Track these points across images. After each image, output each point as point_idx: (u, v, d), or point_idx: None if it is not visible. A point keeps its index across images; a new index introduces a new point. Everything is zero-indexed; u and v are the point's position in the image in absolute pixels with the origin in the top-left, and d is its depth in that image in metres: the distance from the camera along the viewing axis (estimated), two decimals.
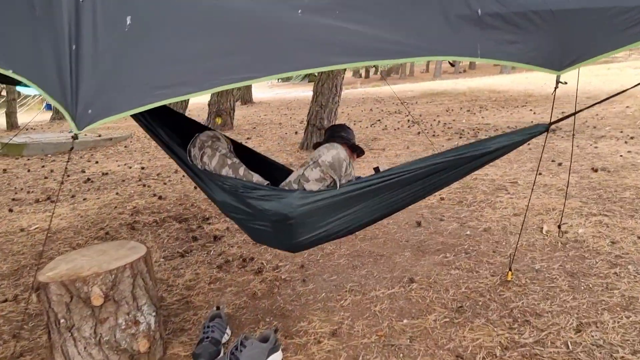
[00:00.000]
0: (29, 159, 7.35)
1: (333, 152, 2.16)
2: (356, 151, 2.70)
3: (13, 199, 5.21)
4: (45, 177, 6.10)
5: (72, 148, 1.84)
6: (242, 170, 2.33)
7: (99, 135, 8.79)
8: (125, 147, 8.20)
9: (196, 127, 2.77)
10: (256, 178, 2.32)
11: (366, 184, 2.13)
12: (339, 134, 2.70)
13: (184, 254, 3.53)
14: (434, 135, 7.66)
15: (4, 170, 6.58)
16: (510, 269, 2.80)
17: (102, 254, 2.23)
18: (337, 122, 7.08)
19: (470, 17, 2.05)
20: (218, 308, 2.47)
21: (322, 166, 2.14)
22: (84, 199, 5.08)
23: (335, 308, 2.65)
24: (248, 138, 7.99)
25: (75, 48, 1.88)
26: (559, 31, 2.09)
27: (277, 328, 2.38)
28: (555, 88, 2.35)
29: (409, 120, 9.73)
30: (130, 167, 6.54)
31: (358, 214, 2.20)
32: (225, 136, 2.55)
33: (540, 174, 4.86)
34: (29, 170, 6.54)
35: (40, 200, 5.13)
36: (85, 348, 2.04)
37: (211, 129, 2.62)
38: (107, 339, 2.05)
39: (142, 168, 6.46)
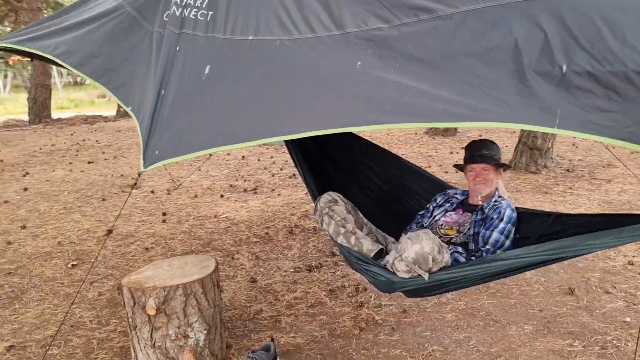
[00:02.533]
0: (267, 148, 8.53)
1: (416, 248, 2.03)
2: (502, 167, 2.59)
3: (230, 186, 6.18)
4: (265, 168, 7.02)
5: (135, 183, 2.15)
6: (353, 239, 2.39)
7: None
8: None
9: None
10: (366, 246, 2.36)
11: (457, 275, 2.06)
12: (479, 152, 2.57)
13: (312, 269, 3.67)
14: None
15: (242, 157, 7.81)
16: None
17: (181, 267, 2.54)
18: (553, 144, 6.12)
19: (552, 74, 1.61)
20: (272, 340, 2.54)
21: (405, 262, 2.07)
22: (278, 194, 5.69)
23: None
24: (463, 148, 7.55)
25: (163, 93, 2.16)
26: None
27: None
28: None
29: None
30: None
31: (472, 284, 2.18)
32: (342, 198, 2.62)
33: None
34: (258, 160, 7.61)
35: (247, 189, 5.96)
36: (144, 347, 2.38)
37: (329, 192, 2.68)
38: (160, 345, 2.35)
39: None
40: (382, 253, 2.38)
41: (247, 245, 4.18)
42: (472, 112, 1.62)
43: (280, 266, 3.74)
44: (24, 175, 7.05)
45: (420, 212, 2.85)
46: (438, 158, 7.10)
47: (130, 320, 2.39)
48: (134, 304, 2.34)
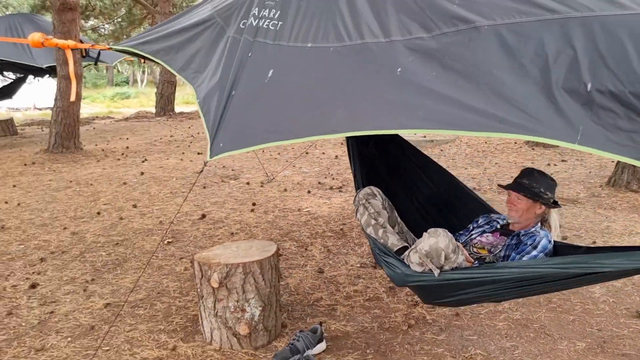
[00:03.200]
0: None
1: (431, 241, 2.13)
2: (540, 202, 2.49)
3: (319, 183, 6.48)
4: None
5: (202, 170, 2.47)
6: (381, 232, 2.53)
7: (424, 136, 9.52)
8: (440, 150, 8.67)
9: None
10: (391, 241, 2.48)
11: (467, 276, 2.10)
12: (520, 179, 2.55)
13: (377, 266, 3.82)
14: None
15: (336, 157, 8.10)
16: None
17: (246, 249, 2.85)
18: None
19: (578, 91, 1.68)
20: (321, 324, 2.74)
21: (418, 253, 2.17)
22: None
23: None
24: (563, 160, 7.17)
25: (233, 94, 2.45)
26: None
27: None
28: None
29: None
30: None
31: (482, 294, 2.17)
32: (382, 194, 2.73)
33: None
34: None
35: (333, 187, 6.22)
36: (208, 315, 2.72)
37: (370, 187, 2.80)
38: (221, 315, 2.67)
39: None
40: (405, 251, 2.43)
41: (322, 239, 4.43)
42: (498, 124, 1.71)
43: (348, 260, 3.94)
44: (143, 161, 7.96)
45: (460, 232, 2.88)
46: None
47: (199, 290, 2.74)
48: (202, 276, 2.68)
